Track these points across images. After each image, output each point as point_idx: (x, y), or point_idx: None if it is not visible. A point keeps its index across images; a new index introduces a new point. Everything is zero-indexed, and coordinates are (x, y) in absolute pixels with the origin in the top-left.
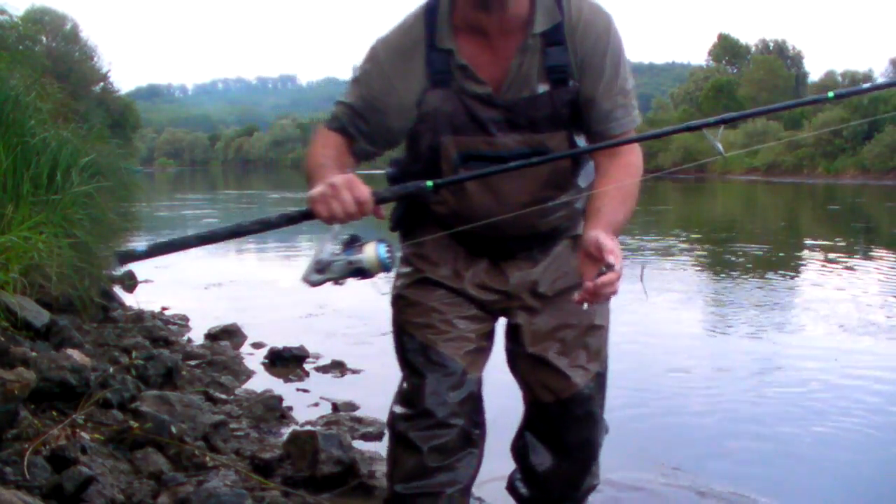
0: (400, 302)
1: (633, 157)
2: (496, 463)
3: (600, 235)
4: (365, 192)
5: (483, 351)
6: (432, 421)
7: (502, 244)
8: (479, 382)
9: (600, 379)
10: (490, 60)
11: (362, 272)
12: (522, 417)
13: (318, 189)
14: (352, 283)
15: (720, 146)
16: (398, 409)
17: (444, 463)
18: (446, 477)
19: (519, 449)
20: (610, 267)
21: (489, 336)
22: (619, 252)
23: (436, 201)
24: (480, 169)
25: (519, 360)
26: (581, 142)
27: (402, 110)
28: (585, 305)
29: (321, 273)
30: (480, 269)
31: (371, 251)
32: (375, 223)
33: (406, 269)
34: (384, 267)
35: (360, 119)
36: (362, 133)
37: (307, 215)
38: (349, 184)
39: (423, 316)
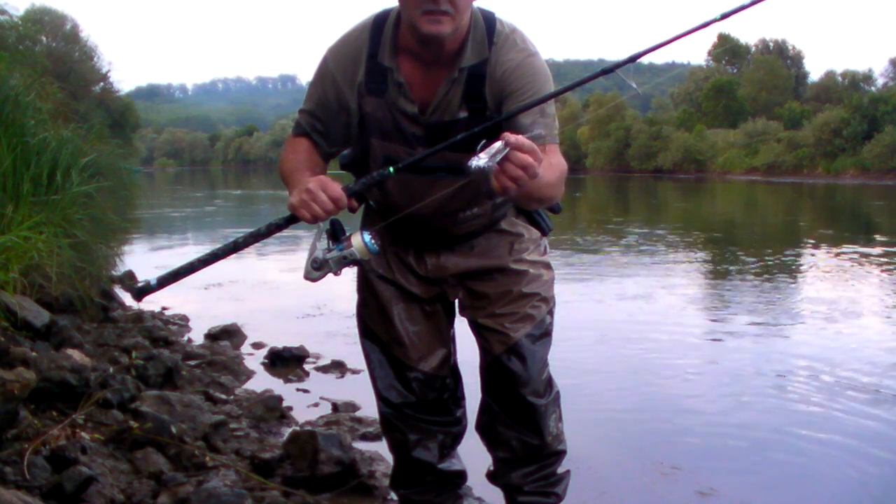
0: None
1: (556, 158)
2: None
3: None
4: (337, 189)
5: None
6: None
7: (424, 239)
8: None
9: (534, 340)
10: (422, 83)
11: (355, 262)
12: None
13: (296, 197)
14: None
15: (633, 83)
16: None
17: None
18: None
19: (481, 422)
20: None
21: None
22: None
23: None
24: (410, 168)
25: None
26: None
27: (349, 111)
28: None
29: (319, 270)
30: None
31: (358, 242)
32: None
33: None
34: (372, 252)
35: (318, 121)
36: (321, 134)
37: (292, 220)
38: (322, 185)
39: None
